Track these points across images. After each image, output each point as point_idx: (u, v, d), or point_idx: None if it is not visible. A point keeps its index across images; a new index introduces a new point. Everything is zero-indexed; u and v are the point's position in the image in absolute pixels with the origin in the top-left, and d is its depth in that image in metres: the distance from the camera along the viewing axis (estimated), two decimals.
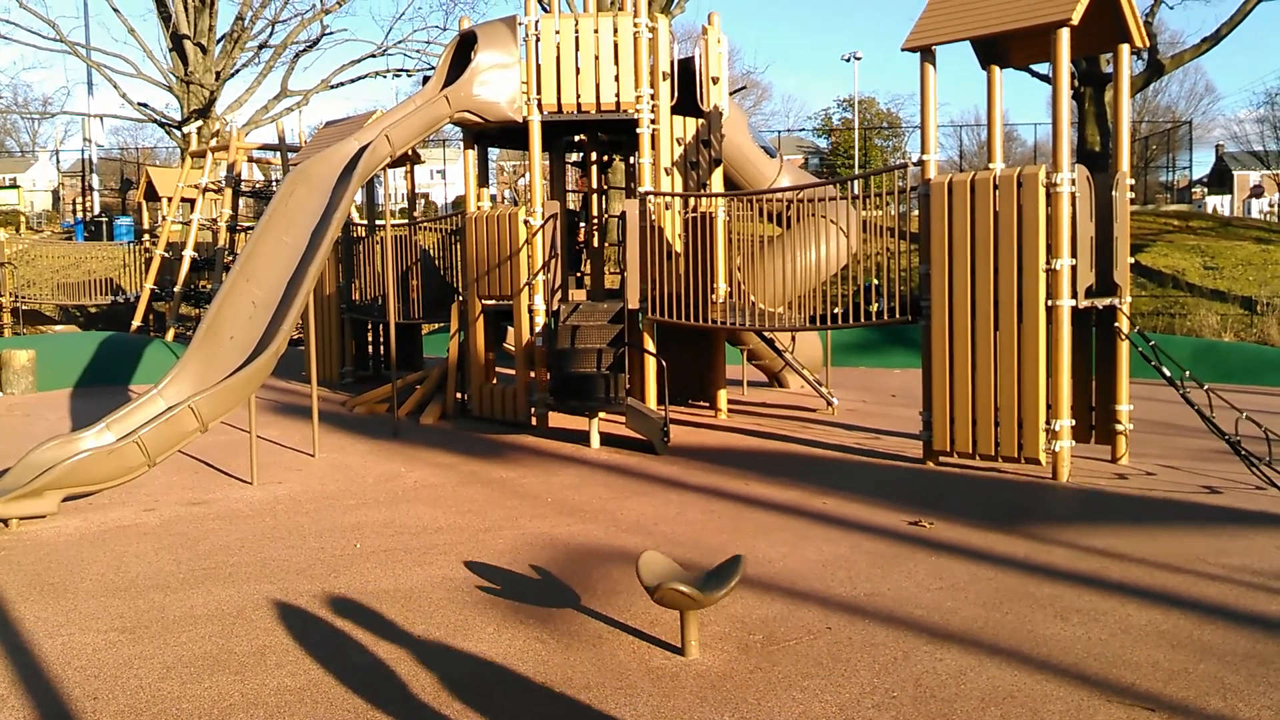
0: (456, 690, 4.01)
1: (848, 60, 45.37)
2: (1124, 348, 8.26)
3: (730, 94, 11.80)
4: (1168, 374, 7.75)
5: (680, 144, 10.94)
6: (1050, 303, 7.61)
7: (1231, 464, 7.99)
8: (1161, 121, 44.99)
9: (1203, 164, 59.25)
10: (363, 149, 9.89)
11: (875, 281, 10.23)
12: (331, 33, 34.91)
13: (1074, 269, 7.63)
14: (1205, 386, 7.84)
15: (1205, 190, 53.77)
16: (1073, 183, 7.61)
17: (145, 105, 33.82)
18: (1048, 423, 7.67)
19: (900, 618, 4.77)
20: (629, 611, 4.89)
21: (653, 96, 10.47)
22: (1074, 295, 7.64)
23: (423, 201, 37.52)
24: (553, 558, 5.90)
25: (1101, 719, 3.68)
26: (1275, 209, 42.04)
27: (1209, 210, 39.02)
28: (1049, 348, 7.64)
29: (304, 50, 34.58)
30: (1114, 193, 8.11)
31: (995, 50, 8.83)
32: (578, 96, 10.44)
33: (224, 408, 7.44)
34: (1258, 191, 59.78)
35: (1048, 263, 7.59)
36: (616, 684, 4.04)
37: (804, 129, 52.24)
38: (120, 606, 5.10)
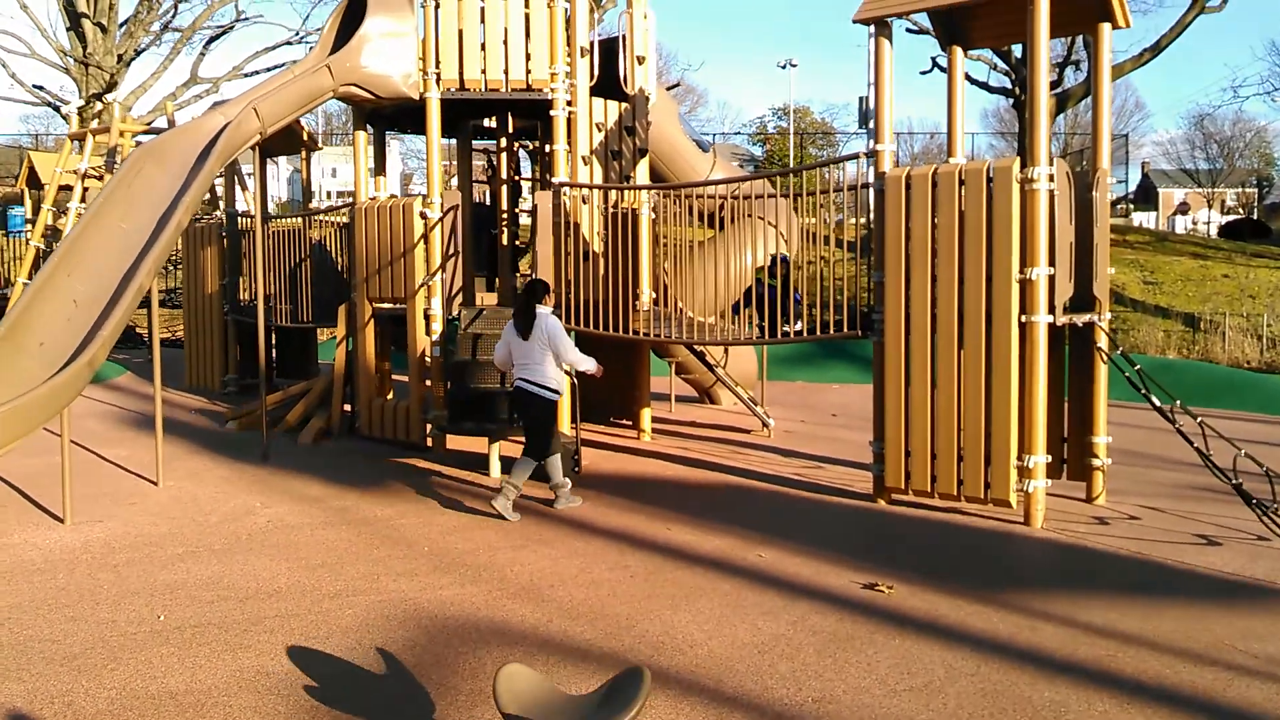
0: None
1: (783, 67, 44.49)
2: (1103, 371, 7.18)
3: (668, 89, 10.58)
4: (1157, 402, 6.67)
5: (601, 130, 9.66)
6: (1024, 318, 6.48)
7: (1222, 504, 6.96)
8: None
9: (1129, 181, 59.74)
10: (227, 124, 8.44)
11: (796, 294, 9.02)
12: (246, 19, 32.89)
13: (1052, 279, 6.52)
14: (1199, 418, 6.77)
15: (1131, 206, 54.03)
16: (1051, 179, 6.51)
17: (41, 88, 31.59)
18: (1019, 459, 6.55)
19: None
20: None
21: (569, 74, 9.18)
22: (1051, 310, 6.53)
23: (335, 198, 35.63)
24: (412, 638, 4.56)
25: None
26: (1200, 226, 42.12)
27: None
28: (1022, 371, 6.52)
29: (216, 36, 32.62)
30: (1093, 193, 7.04)
31: (958, 28, 7.70)
32: (483, 72, 9.10)
33: (17, 432, 5.93)
34: (1183, 209, 60.41)
35: (1021, 271, 6.47)
36: None
37: (739, 132, 51.18)
38: None
